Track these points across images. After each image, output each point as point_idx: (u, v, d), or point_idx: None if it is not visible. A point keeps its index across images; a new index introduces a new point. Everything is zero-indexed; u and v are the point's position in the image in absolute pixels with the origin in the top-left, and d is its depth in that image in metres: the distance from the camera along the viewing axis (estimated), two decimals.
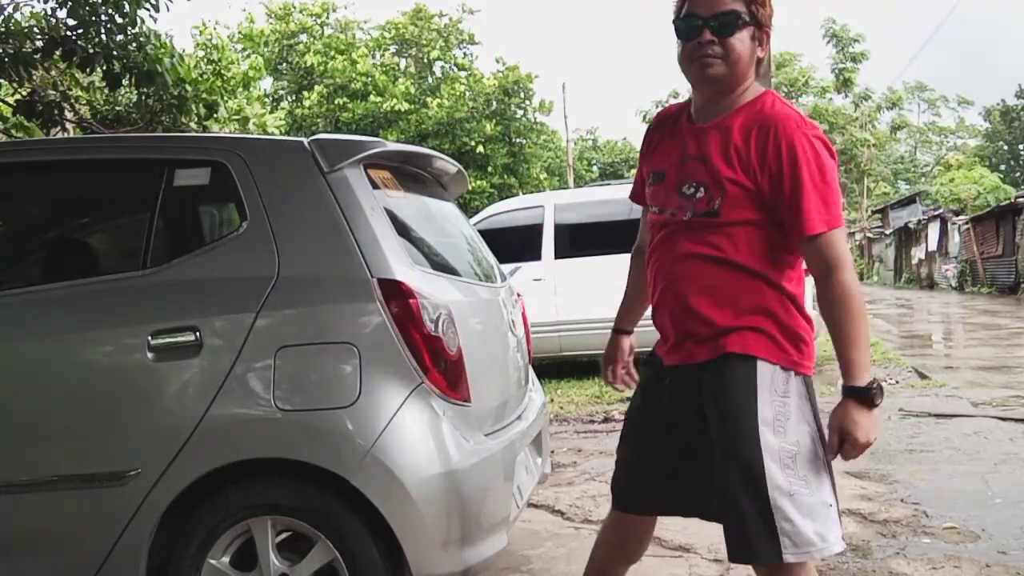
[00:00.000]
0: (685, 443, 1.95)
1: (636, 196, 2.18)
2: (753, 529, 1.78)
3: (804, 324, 1.89)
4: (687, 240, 1.88)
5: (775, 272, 1.86)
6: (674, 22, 1.89)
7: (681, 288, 1.89)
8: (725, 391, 1.84)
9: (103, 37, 6.60)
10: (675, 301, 1.91)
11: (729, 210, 1.83)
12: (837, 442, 1.76)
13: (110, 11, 6.57)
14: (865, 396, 1.73)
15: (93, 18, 6.58)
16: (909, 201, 34.23)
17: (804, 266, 1.91)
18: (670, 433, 1.98)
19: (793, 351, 1.86)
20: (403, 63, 22.33)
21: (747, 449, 1.78)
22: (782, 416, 1.81)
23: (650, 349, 2.07)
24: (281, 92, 21.89)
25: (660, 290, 1.96)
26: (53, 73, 7.93)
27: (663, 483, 2.02)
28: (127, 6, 6.60)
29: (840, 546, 1.85)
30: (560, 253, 8.12)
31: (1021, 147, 52.20)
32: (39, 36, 6.62)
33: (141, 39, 6.91)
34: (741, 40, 1.82)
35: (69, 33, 6.54)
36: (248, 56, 14.70)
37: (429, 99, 19.95)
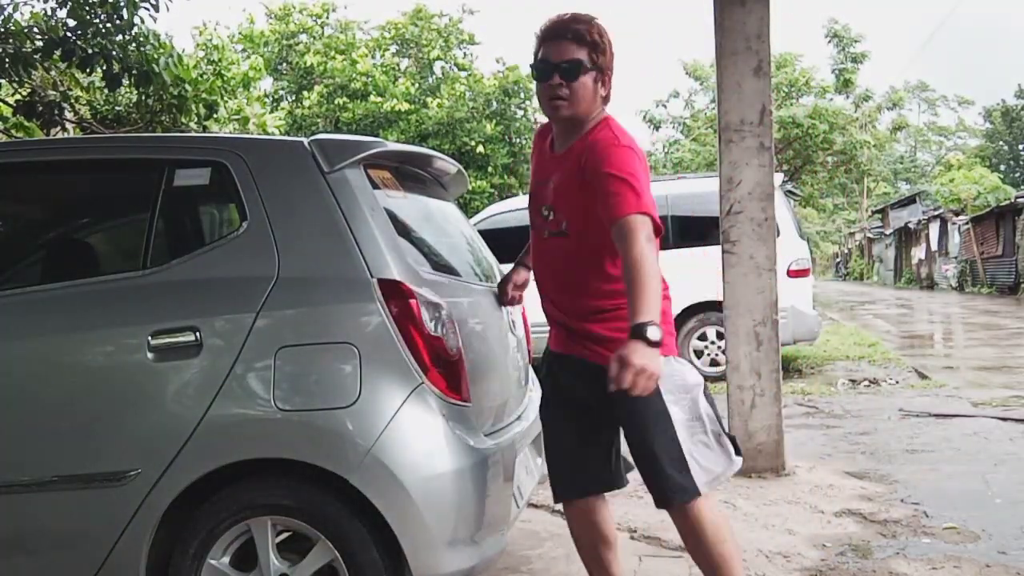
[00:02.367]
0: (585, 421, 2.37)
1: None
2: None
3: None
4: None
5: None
6: (531, 64, 2.27)
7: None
8: None
9: (101, 38, 6.60)
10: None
11: (574, 228, 2.25)
12: (616, 369, 1.92)
13: (109, 12, 6.57)
14: (641, 331, 1.95)
15: (92, 19, 6.58)
16: (909, 201, 34.26)
17: None
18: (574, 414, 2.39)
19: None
20: (403, 63, 22.32)
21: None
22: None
23: None
24: (281, 92, 21.86)
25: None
26: (53, 73, 7.92)
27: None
28: (125, 8, 6.60)
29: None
30: None
31: (1021, 147, 52.17)
32: (39, 36, 6.62)
33: (140, 39, 6.92)
34: (584, 84, 2.19)
35: (68, 34, 6.54)
36: (248, 56, 14.70)
37: (429, 99, 19.93)
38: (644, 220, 2.06)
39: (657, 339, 1.94)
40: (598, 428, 2.41)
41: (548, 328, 2.46)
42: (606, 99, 2.29)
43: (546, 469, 2.53)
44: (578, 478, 2.46)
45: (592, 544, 2.50)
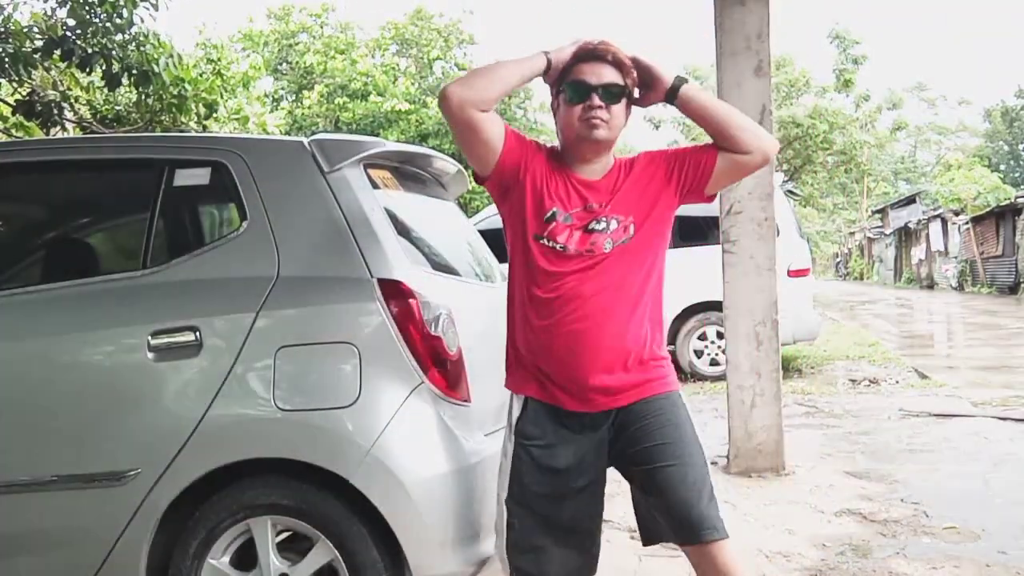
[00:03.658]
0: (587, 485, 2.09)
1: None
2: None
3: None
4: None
5: None
6: (561, 86, 2.11)
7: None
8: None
9: (101, 37, 6.61)
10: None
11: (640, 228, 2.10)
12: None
13: (108, 11, 6.57)
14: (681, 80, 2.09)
15: (92, 18, 6.58)
16: (909, 201, 34.22)
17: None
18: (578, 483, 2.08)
19: None
20: (403, 63, 22.32)
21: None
22: None
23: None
24: (281, 92, 21.87)
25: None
26: (53, 73, 7.93)
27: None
28: (124, 8, 6.60)
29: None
30: None
31: (1021, 147, 52.18)
32: (39, 36, 6.62)
33: (140, 39, 6.92)
34: (622, 110, 2.11)
35: (68, 33, 6.54)
36: (248, 56, 14.70)
37: (429, 99, 19.94)
38: None
39: (677, 87, 2.08)
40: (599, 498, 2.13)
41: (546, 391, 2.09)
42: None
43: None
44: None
45: None
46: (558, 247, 2.04)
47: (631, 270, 2.06)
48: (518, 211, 2.09)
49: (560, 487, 2.04)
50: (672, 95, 2.11)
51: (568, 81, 2.09)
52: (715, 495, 2.02)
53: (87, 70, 6.87)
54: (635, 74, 2.10)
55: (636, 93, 2.14)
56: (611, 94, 2.07)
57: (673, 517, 2.00)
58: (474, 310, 2.69)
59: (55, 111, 7.02)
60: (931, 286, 28.86)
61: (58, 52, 6.53)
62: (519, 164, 2.10)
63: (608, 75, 2.07)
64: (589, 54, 2.09)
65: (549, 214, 2.07)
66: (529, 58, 2.12)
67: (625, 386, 2.04)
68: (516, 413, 2.10)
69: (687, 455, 2.01)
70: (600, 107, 2.05)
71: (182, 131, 7.97)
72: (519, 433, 2.07)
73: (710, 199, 2.22)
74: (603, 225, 2.06)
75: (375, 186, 2.46)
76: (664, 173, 2.12)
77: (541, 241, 2.06)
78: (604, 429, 2.06)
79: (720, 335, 7.38)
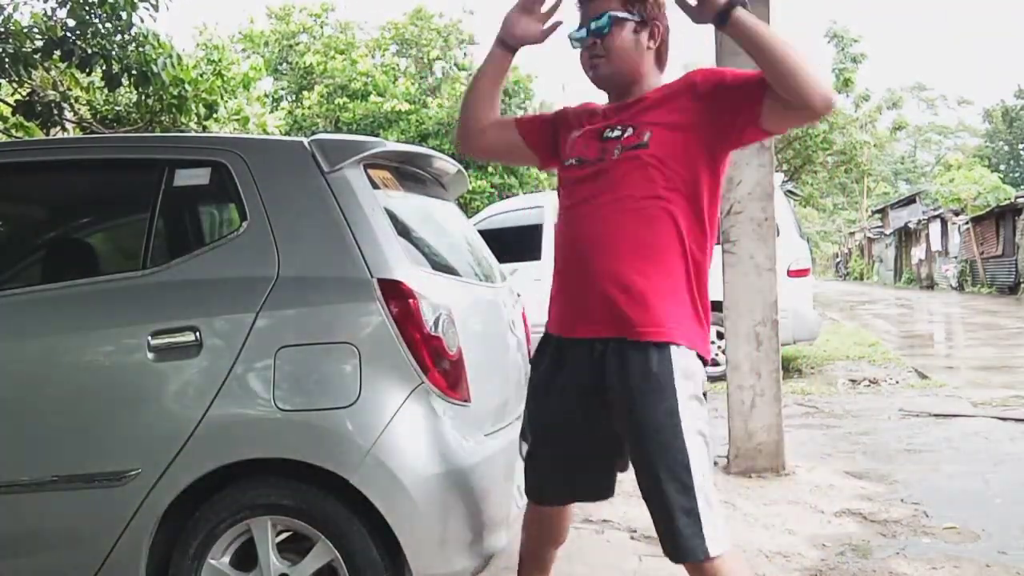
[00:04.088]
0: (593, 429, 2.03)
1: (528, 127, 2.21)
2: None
3: None
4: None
5: None
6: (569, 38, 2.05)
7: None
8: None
9: (101, 38, 6.61)
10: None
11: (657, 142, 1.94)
12: None
13: (108, 12, 6.58)
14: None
15: (92, 19, 6.58)
16: (909, 201, 34.24)
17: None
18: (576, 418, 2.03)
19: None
20: (403, 63, 22.32)
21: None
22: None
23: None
24: (281, 92, 21.86)
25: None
26: (53, 73, 7.93)
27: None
28: (124, 8, 6.60)
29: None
30: None
31: (1021, 147, 52.18)
32: (39, 36, 6.63)
33: (140, 39, 6.92)
34: (621, 37, 1.96)
35: (68, 34, 6.55)
36: (248, 56, 14.70)
37: (429, 99, 19.94)
38: None
39: (728, 9, 1.76)
40: (611, 428, 2.01)
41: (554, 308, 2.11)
42: (661, 59, 2.04)
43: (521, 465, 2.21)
44: (575, 485, 2.16)
45: (545, 542, 2.28)
46: (574, 161, 2.03)
47: (643, 187, 1.90)
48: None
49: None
50: (723, 18, 1.80)
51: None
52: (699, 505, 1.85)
53: (87, 70, 6.88)
54: None
55: (643, 12, 1.97)
56: (597, 28, 1.97)
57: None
58: (474, 310, 2.69)
59: (55, 111, 7.02)
60: (931, 286, 28.86)
61: (58, 52, 6.54)
62: (550, 136, 2.15)
63: (598, 7, 1.97)
64: None
65: (572, 138, 2.08)
66: (487, 55, 2.13)
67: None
68: None
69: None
70: (593, 43, 1.98)
71: (182, 131, 7.97)
72: None
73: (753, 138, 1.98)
74: (617, 132, 1.96)
75: (375, 186, 2.46)
76: (701, 107, 1.91)
77: (565, 163, 2.07)
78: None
79: (720, 335, 7.38)
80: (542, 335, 2.14)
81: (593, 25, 1.97)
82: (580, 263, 1.99)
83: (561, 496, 2.19)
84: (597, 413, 2.00)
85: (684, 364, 1.91)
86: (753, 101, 1.84)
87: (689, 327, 1.95)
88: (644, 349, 1.89)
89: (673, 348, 1.90)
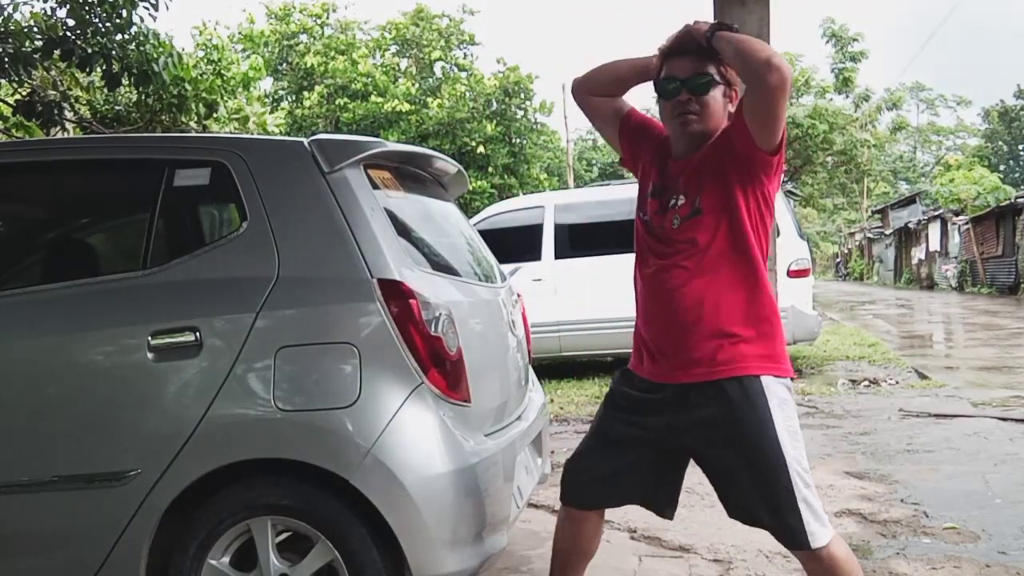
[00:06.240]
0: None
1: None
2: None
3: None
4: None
5: None
6: (654, 84, 2.15)
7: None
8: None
9: (101, 37, 6.61)
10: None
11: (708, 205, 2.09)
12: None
13: (108, 11, 6.58)
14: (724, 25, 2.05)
15: (92, 18, 6.58)
16: (909, 201, 34.24)
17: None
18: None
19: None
20: (404, 63, 22.33)
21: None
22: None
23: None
24: (281, 92, 21.87)
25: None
26: (53, 73, 7.94)
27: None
28: (124, 7, 6.61)
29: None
30: (560, 253, 8.12)
31: (1021, 147, 52.21)
32: (39, 36, 6.63)
33: (140, 39, 6.92)
34: (715, 98, 2.09)
35: (68, 33, 6.55)
36: (248, 56, 14.68)
37: (430, 99, 19.96)
38: None
39: (714, 36, 2.00)
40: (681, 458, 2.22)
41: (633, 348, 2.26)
42: (730, 118, 2.14)
43: (566, 463, 2.31)
44: (621, 490, 2.26)
45: (574, 552, 2.34)
46: (646, 218, 2.18)
47: (707, 244, 2.05)
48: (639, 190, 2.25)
49: None
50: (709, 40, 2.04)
51: (658, 80, 2.14)
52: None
53: (87, 70, 6.88)
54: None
55: (729, 78, 2.10)
56: (697, 85, 2.07)
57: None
58: (474, 310, 2.69)
59: (55, 111, 7.02)
60: (931, 286, 28.86)
61: (58, 52, 6.54)
62: (633, 149, 2.28)
63: (693, 67, 2.07)
64: (672, 48, 2.11)
65: (648, 180, 2.21)
66: (647, 56, 2.21)
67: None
68: None
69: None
70: (689, 100, 2.07)
71: (182, 131, 7.97)
72: None
73: (774, 153, 2.06)
74: (674, 201, 2.11)
75: (375, 186, 2.46)
76: (729, 141, 2.06)
77: (640, 215, 2.20)
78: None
79: None
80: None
81: (695, 83, 2.07)
82: (668, 318, 2.12)
83: (608, 497, 2.30)
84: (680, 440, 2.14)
85: (770, 385, 2.08)
86: (742, 129, 2.02)
87: (767, 345, 2.11)
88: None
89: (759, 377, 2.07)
